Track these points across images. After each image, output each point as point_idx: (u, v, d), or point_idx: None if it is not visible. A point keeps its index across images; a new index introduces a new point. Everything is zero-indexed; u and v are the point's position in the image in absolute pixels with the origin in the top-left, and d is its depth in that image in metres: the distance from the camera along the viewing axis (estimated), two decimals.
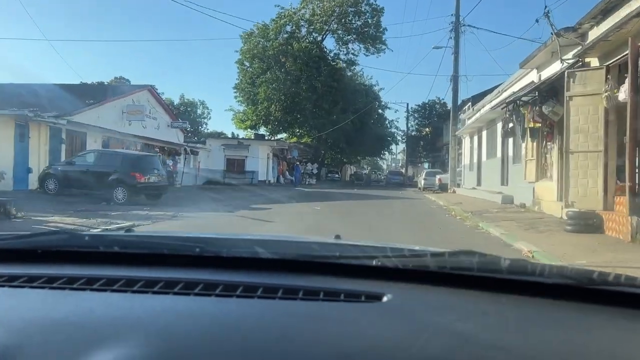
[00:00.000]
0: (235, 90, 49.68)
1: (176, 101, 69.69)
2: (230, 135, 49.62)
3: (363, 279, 1.12)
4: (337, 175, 57.33)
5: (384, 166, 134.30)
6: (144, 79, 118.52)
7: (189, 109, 71.79)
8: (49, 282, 1.07)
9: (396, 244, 1.40)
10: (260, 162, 36.29)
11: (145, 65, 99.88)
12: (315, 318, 0.94)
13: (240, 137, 45.71)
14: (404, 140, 60.56)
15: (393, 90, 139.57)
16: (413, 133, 60.03)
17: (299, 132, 53.08)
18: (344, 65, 50.32)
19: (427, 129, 58.96)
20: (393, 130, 60.29)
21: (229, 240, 1.52)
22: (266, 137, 44.03)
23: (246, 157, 36.04)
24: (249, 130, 50.29)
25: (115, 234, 1.95)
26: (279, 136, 51.54)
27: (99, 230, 8.95)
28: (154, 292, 1.03)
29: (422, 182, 36.29)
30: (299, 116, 47.47)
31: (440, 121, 56.26)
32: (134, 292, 1.04)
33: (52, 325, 0.88)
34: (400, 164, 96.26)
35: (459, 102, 40.47)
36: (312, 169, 49.90)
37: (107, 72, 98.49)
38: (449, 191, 26.34)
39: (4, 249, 1.30)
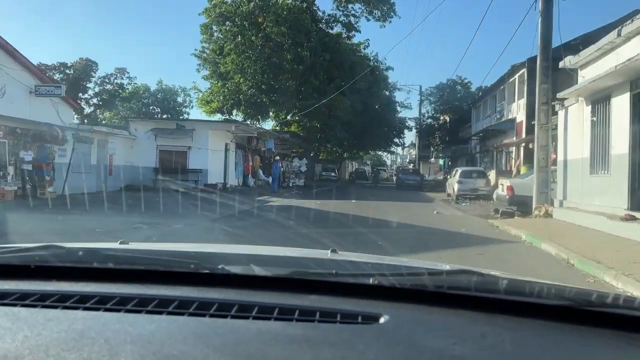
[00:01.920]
0: (198, 61, 36.47)
1: (153, 87, 56.49)
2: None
3: (359, 298, 1.07)
4: (333, 174, 44.13)
5: (388, 162, 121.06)
6: (115, 62, 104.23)
7: (167, 97, 58.51)
8: (42, 300, 1.04)
9: (394, 260, 1.48)
10: (212, 156, 23.12)
11: (116, 46, 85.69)
12: (312, 342, 0.89)
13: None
14: (417, 128, 47.12)
15: (404, 67, 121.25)
16: (429, 121, 46.66)
17: (288, 118, 40.06)
18: (343, 30, 36.85)
19: (445, 116, 45.62)
20: (403, 114, 46.95)
21: (224, 255, 1.46)
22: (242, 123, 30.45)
23: (189, 148, 22.89)
24: (218, 115, 37.17)
25: (110, 247, 1.59)
26: (265, 126, 38.63)
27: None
28: (148, 312, 0.99)
29: (456, 186, 23.15)
30: (279, 97, 34.23)
31: (462, 106, 43.05)
32: (127, 311, 0.99)
33: (44, 347, 0.84)
34: (407, 160, 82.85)
35: (507, 70, 27.49)
36: (299, 166, 36.72)
37: (71, 53, 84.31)
38: (534, 213, 13.06)
39: None
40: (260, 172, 28.56)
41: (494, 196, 20.56)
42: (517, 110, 26.42)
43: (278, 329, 0.93)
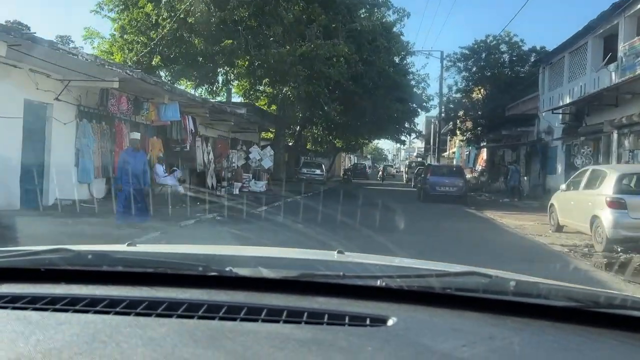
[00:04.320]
0: None
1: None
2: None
3: (367, 300, 1.07)
4: (318, 172, 29.14)
5: (389, 157, 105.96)
6: (56, 28, 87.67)
7: None
8: (52, 303, 1.02)
9: (401, 262, 1.40)
10: None
11: (59, 8, 69.78)
12: (321, 345, 0.88)
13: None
14: (439, 110, 32.02)
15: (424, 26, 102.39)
16: (456, 96, 31.63)
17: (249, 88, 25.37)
18: None
19: (478, 90, 30.67)
20: (419, 89, 31.96)
21: (232, 257, 1.43)
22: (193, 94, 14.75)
23: None
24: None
25: (118, 249, 1.56)
26: (234, 101, 23.78)
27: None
28: (158, 315, 0.98)
29: (612, 218, 8.31)
30: (232, 42, 19.29)
31: (510, 74, 28.21)
32: (137, 314, 0.98)
33: (57, 351, 0.83)
34: (415, 154, 67.95)
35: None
36: (260, 160, 21.79)
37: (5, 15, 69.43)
38: None
39: (8, 267, 1.22)
40: (160, 168, 13.67)
41: None
42: None
43: (287, 332, 0.92)
